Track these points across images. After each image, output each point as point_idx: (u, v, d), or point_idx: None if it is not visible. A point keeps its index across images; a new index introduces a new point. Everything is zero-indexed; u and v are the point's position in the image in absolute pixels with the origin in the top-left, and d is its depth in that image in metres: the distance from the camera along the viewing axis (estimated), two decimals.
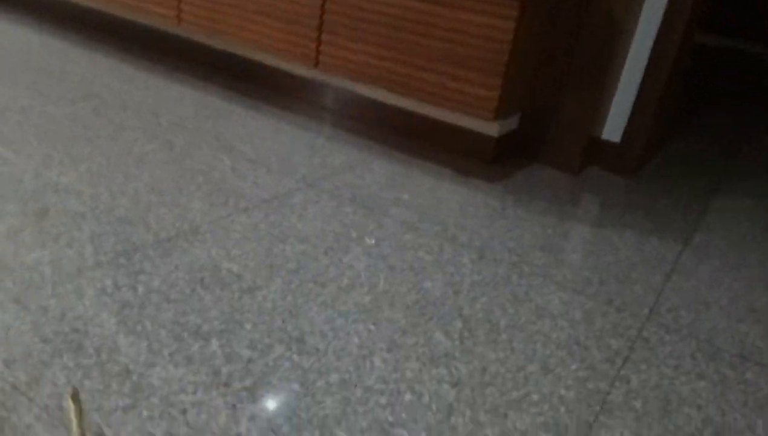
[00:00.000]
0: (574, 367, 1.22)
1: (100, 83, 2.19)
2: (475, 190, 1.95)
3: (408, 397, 1.08)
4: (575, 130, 2.14)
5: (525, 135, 2.23)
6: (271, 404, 1.01)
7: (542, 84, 2.12)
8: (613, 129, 2.22)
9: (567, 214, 1.90)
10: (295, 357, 1.13)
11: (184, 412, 0.97)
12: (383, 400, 1.06)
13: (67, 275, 1.24)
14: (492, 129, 2.11)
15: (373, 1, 1.89)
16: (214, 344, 1.13)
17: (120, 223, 1.45)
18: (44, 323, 1.11)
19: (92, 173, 1.64)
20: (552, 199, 1.98)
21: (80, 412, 0.74)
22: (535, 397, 1.12)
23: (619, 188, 2.18)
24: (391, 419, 1.02)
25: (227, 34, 2.23)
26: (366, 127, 2.32)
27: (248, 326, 1.19)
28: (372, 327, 1.24)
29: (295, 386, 1.06)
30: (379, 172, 1.96)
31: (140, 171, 1.70)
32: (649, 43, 2.05)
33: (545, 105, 2.16)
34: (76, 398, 0.74)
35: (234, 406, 1.00)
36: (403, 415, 1.04)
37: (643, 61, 2.08)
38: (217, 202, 1.61)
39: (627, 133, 2.18)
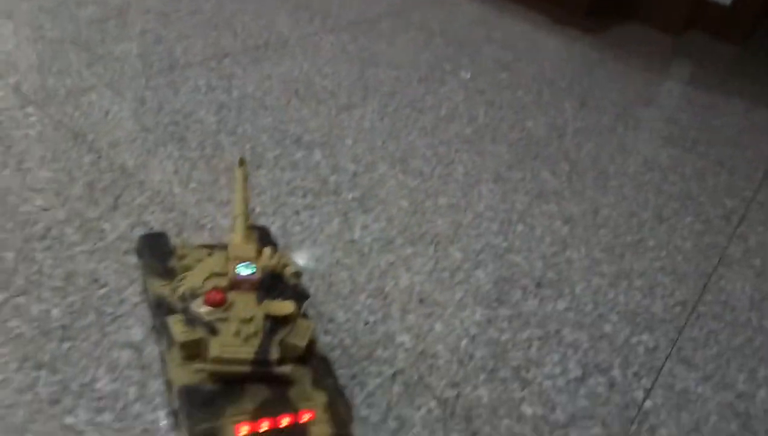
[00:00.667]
0: (689, 220, 1.15)
1: None
2: (571, 40, 1.80)
3: (520, 227, 1.02)
4: None
5: None
6: (381, 215, 0.96)
7: None
8: None
9: (670, 74, 1.76)
10: (400, 176, 1.06)
11: (297, 213, 0.93)
12: (495, 227, 1.01)
13: (158, 70, 1.17)
14: None
15: None
16: (318, 154, 1.06)
17: (205, 27, 1.35)
18: (143, 112, 1.05)
19: None
20: (653, 57, 1.83)
21: (245, 179, 0.70)
22: (651, 243, 1.06)
23: (725, 54, 2.01)
24: (505, 244, 0.97)
25: None
26: None
27: (349, 142, 1.12)
28: (476, 158, 1.17)
29: (404, 203, 1.00)
30: (468, 11, 1.81)
31: None
32: None
33: None
34: (243, 164, 0.71)
35: (345, 214, 0.95)
36: (517, 243, 0.98)
37: None
38: (303, 19, 1.50)
39: None
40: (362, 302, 0.81)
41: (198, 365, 0.57)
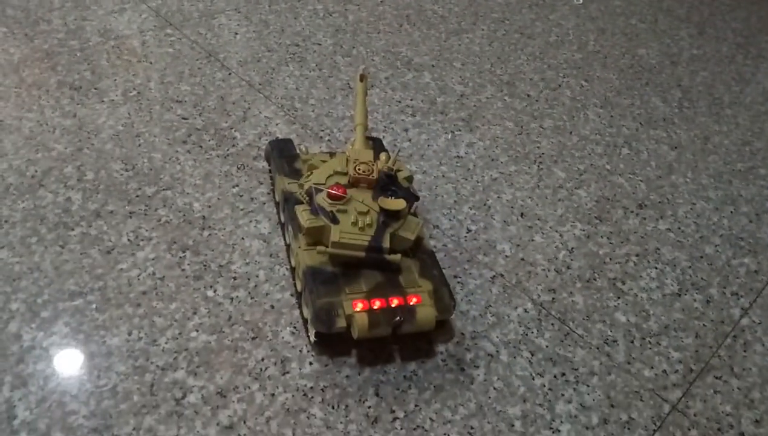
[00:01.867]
0: None
1: None
2: None
3: (626, 151, 1.03)
4: None
5: None
6: (487, 134, 1.00)
7: None
8: None
9: None
10: (507, 99, 1.09)
11: (406, 130, 0.98)
12: (599, 149, 1.02)
13: None
14: None
15: None
16: (427, 76, 1.11)
17: None
18: (267, 34, 1.13)
19: None
20: None
21: (365, 93, 0.78)
22: (762, 171, 1.04)
23: None
24: (608, 167, 0.99)
25: None
26: None
27: (458, 65, 1.15)
28: (584, 83, 1.17)
29: (510, 124, 1.04)
30: None
31: None
32: None
33: None
34: (364, 78, 0.78)
35: (452, 132, 1.00)
36: (621, 165, 1.00)
37: None
38: None
39: None
40: (465, 212, 0.86)
41: (320, 249, 0.65)
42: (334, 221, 0.65)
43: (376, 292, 0.64)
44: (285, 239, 0.76)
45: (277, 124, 0.94)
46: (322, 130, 0.95)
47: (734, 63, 1.32)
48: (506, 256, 0.81)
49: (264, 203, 0.82)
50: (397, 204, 0.66)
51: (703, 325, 0.77)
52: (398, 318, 0.63)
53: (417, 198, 0.72)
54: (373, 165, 0.70)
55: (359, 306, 0.63)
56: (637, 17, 1.41)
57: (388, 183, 0.69)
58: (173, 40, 1.08)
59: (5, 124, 0.89)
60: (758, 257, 0.88)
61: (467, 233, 0.83)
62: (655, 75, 1.23)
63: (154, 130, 0.90)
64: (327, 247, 0.65)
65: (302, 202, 0.70)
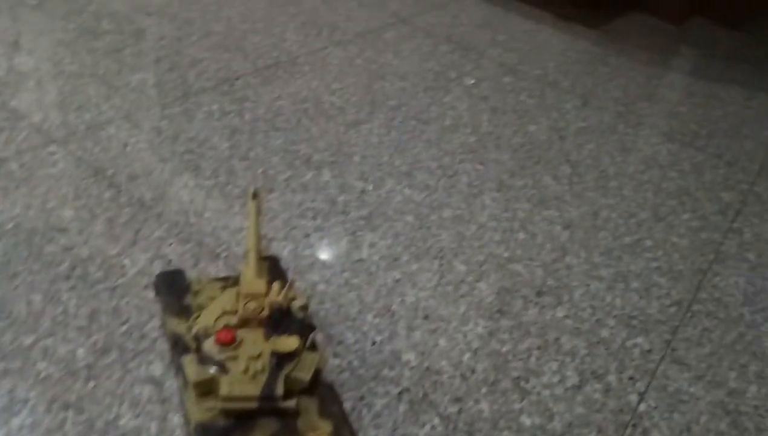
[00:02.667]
0: (686, 217, 1.18)
1: None
2: (575, 36, 1.83)
3: (521, 235, 1.07)
4: None
5: None
6: (388, 232, 1.02)
7: None
8: None
9: (672, 65, 1.78)
10: (407, 191, 1.12)
11: (307, 235, 0.99)
12: (497, 236, 1.06)
13: (173, 98, 1.23)
14: None
15: None
16: (327, 173, 1.12)
17: (217, 49, 1.40)
18: (159, 143, 1.11)
19: (179, 2, 1.58)
20: (655, 49, 1.85)
21: (258, 212, 0.77)
22: (648, 243, 1.10)
23: (726, 40, 2.02)
24: (506, 254, 1.02)
25: None
26: None
27: (357, 159, 1.17)
28: (479, 166, 1.21)
29: (410, 218, 1.06)
30: (473, 12, 1.84)
31: None
32: None
33: None
34: (256, 197, 0.77)
35: (354, 233, 1.01)
36: (518, 251, 1.03)
37: None
38: (311, 34, 1.55)
39: None
40: (370, 321, 0.87)
41: (209, 406, 0.63)
42: (224, 370, 0.64)
43: None
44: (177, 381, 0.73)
45: (170, 245, 0.92)
46: (220, 246, 0.93)
47: (616, 132, 1.40)
48: (412, 367, 0.82)
49: (156, 340, 0.79)
50: (290, 344, 0.66)
51: (604, 418, 0.80)
52: None
53: (313, 328, 0.72)
54: (264, 299, 0.69)
55: None
56: (526, 93, 1.49)
57: (281, 318, 0.69)
58: (57, 158, 1.05)
59: None
60: (650, 335, 0.93)
61: (372, 345, 0.83)
62: (545, 151, 1.29)
63: (33, 267, 0.86)
64: (217, 400, 0.64)
65: (191, 348, 0.69)
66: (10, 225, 0.92)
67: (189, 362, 0.65)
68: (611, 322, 0.94)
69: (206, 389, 0.64)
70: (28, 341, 0.77)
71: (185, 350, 0.68)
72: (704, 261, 1.09)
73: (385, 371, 0.80)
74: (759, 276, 1.08)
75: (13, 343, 0.77)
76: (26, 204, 0.96)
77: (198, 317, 0.70)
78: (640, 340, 0.92)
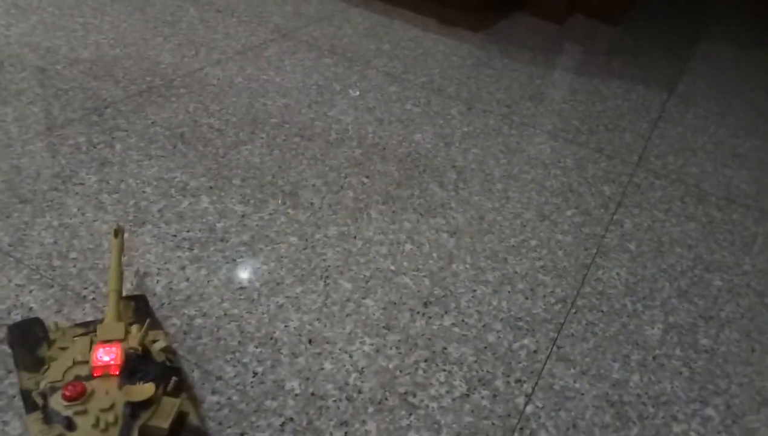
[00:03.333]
0: (569, 213, 1.22)
1: None
2: (460, 41, 1.86)
3: (408, 247, 1.06)
4: None
5: None
6: (271, 256, 0.99)
7: None
8: None
9: (554, 64, 1.84)
10: (290, 211, 1.09)
11: (183, 268, 0.94)
12: (384, 250, 1.05)
13: (36, 133, 1.15)
14: None
15: None
16: (205, 200, 1.08)
17: (85, 78, 1.33)
18: (19, 182, 1.04)
19: (46, 25, 1.49)
20: (538, 48, 1.90)
21: (120, 251, 0.72)
22: (533, 242, 1.12)
23: (605, 36, 2.11)
24: (393, 268, 1.01)
25: None
26: None
27: (237, 182, 1.14)
28: (365, 180, 1.20)
29: (294, 239, 1.03)
30: (357, 22, 1.84)
31: (99, 22, 1.55)
32: None
33: None
34: (119, 234, 0.72)
35: (234, 260, 0.97)
36: (405, 264, 1.03)
37: None
38: (188, 55, 1.50)
39: None
40: (251, 352, 0.83)
41: None
42: (71, 427, 0.59)
43: None
44: None
45: (30, 292, 0.85)
46: (86, 288, 0.88)
47: (501, 134, 1.43)
48: (296, 394, 0.79)
49: (13, 397, 0.73)
50: (144, 391, 0.62)
51: (492, 423, 0.80)
52: None
53: (177, 371, 0.68)
54: (120, 345, 0.65)
55: None
56: (412, 102, 1.49)
57: (138, 364, 0.64)
58: None
59: None
60: (536, 335, 0.94)
61: (253, 377, 0.80)
62: (431, 159, 1.30)
63: None
64: None
65: (39, 405, 0.63)
66: None
67: (33, 421, 0.60)
68: (498, 326, 0.94)
69: None
70: None
71: (33, 408, 0.63)
72: (588, 255, 1.12)
73: (268, 402, 0.77)
74: (639, 265, 1.12)
75: None
76: None
77: (47, 369, 0.65)
78: (526, 341, 0.93)
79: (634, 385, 0.89)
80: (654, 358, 0.94)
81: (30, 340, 0.72)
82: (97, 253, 0.93)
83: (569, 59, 1.91)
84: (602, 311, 1.01)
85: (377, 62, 1.63)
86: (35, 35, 1.44)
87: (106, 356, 0.63)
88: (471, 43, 1.86)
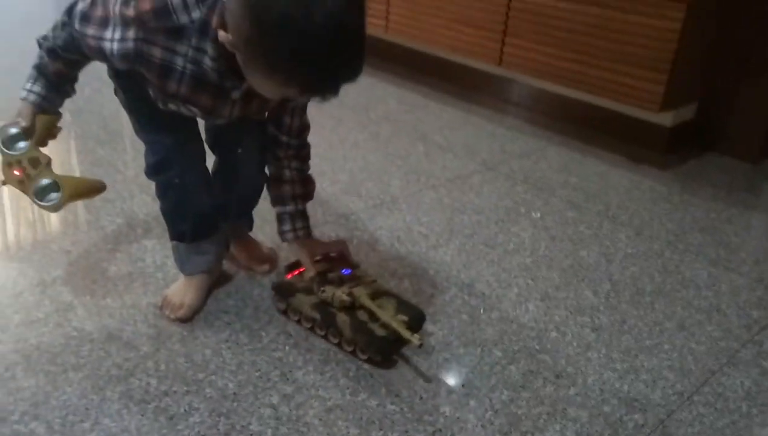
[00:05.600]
0: (709, 328, 1.39)
1: None
2: (645, 177, 2.11)
3: (554, 334, 1.35)
4: (754, 117, 2.19)
5: (702, 124, 2.32)
6: (446, 327, 1.35)
7: (719, 73, 2.20)
8: None
9: (735, 201, 1.99)
10: (465, 297, 1.45)
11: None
12: (533, 333, 1.35)
13: None
14: (665, 119, 2.24)
15: (552, 7, 2.13)
16: (407, 282, 1.49)
17: (341, 194, 1.88)
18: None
19: (319, 156, 2.10)
20: (722, 186, 2.07)
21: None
22: (666, 347, 1.33)
23: None
24: (537, 347, 1.31)
25: (425, 39, 2.61)
26: (544, 117, 2.56)
27: (431, 272, 1.54)
28: (530, 282, 1.53)
29: (464, 317, 1.39)
30: (553, 158, 2.21)
31: (354, 154, 2.13)
32: None
33: (722, 94, 2.23)
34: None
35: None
36: (548, 346, 1.31)
37: None
38: (411, 180, 1.99)
39: None
40: None
41: None
42: None
43: None
44: None
45: None
46: None
47: (662, 257, 1.65)
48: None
49: None
50: None
51: None
52: None
53: None
54: None
55: None
56: (585, 225, 1.79)
57: None
58: None
59: None
60: (647, 414, 1.15)
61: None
62: (590, 272, 1.58)
63: None
64: None
65: None
66: None
67: None
68: (614, 401, 1.18)
69: None
70: None
71: None
72: (716, 363, 1.30)
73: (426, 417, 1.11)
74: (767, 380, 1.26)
75: None
76: None
77: None
78: (636, 416, 1.15)
79: None
80: None
81: None
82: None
83: (753, 197, 2.04)
84: (715, 408, 1.18)
85: (562, 192, 1.97)
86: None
87: None
88: (655, 179, 2.10)
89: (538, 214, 1.83)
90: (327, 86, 0.94)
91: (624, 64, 2.01)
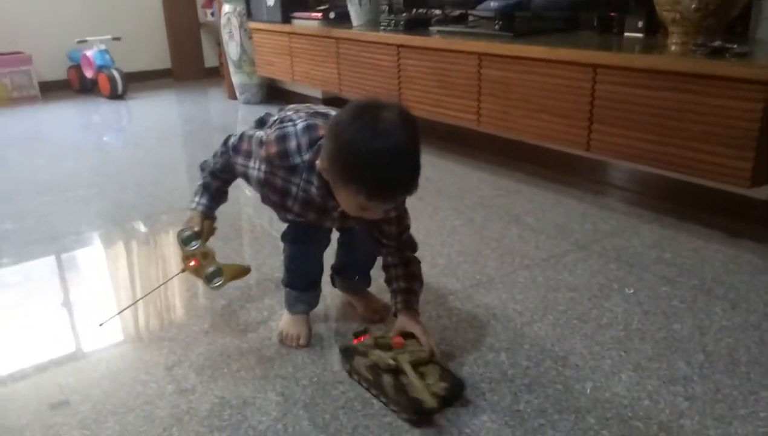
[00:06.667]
0: None
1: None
2: (741, 250, 2.14)
3: (646, 402, 1.42)
4: None
5: None
6: (541, 396, 1.46)
7: None
8: None
9: None
10: (560, 368, 1.55)
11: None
12: (626, 402, 1.42)
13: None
14: (761, 193, 2.27)
15: (633, 94, 2.27)
16: (503, 355, 1.62)
17: (439, 276, 2.05)
18: None
19: (419, 242, 2.30)
20: None
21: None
22: (762, 414, 1.36)
23: None
24: (630, 414, 1.38)
25: (515, 130, 2.80)
26: (636, 196, 2.64)
27: (526, 346, 1.65)
28: (623, 353, 1.60)
29: (559, 387, 1.49)
30: (645, 236, 2.28)
31: (451, 239, 2.31)
32: None
33: None
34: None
35: (515, 394, 1.46)
36: (641, 413, 1.38)
37: None
38: (506, 261, 2.13)
39: None
40: None
41: None
42: None
43: None
44: None
45: None
46: None
47: (759, 329, 1.68)
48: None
49: None
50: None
51: None
52: None
53: None
54: None
55: None
56: (678, 299, 1.85)
57: None
58: None
59: None
60: None
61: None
62: (683, 343, 1.63)
63: None
64: None
65: None
66: None
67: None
68: None
69: None
70: None
71: None
72: None
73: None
74: None
75: None
76: None
77: None
78: None
79: None
80: None
81: None
82: None
83: None
84: None
85: (655, 268, 2.04)
86: None
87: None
88: (753, 253, 2.12)
89: (631, 290, 1.91)
90: (385, 193, 1.27)
91: (709, 144, 2.09)
